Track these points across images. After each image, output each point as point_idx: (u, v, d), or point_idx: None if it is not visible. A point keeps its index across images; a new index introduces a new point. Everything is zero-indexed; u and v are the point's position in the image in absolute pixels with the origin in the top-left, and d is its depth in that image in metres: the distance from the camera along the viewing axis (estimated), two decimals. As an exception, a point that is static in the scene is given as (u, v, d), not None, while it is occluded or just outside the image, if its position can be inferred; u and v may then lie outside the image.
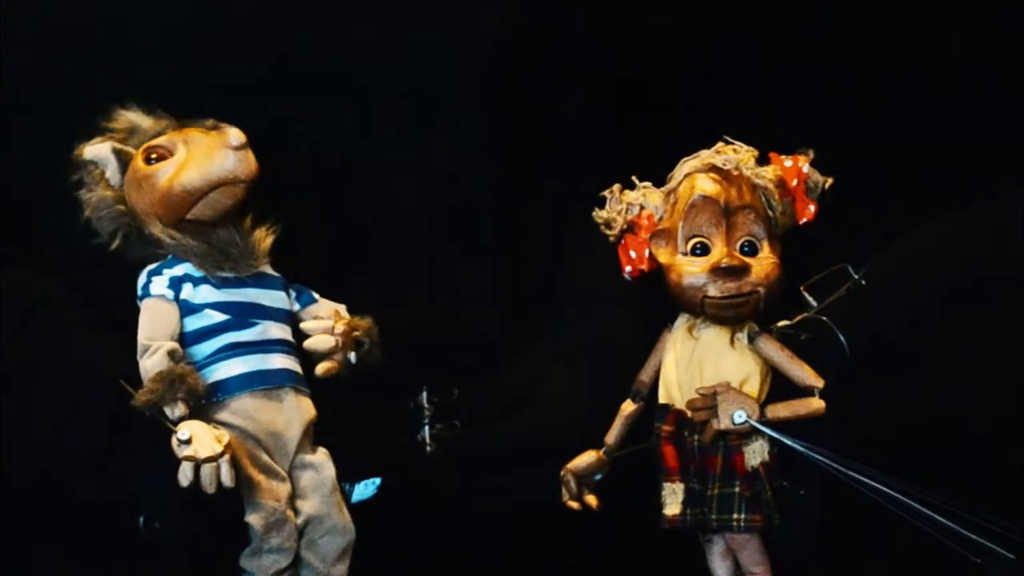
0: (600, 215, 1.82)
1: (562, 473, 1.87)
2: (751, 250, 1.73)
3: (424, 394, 1.91)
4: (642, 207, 1.80)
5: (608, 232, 1.82)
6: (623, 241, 1.81)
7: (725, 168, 1.75)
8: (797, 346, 1.73)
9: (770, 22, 2.22)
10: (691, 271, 1.73)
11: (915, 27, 2.19)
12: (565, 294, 2.19)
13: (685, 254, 1.75)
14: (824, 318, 1.73)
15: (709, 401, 1.70)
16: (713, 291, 1.71)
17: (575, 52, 2.21)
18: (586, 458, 1.87)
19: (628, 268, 1.82)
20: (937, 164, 2.12)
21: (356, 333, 1.77)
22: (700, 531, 1.78)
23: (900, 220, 2.09)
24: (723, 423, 1.69)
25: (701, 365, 1.76)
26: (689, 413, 1.74)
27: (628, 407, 1.87)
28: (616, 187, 1.81)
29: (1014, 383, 1.91)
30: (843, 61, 2.21)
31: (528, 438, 2.09)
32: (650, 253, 1.78)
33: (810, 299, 1.75)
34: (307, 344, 1.73)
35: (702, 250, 1.73)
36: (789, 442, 1.67)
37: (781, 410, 1.70)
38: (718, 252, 1.72)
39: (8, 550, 1.78)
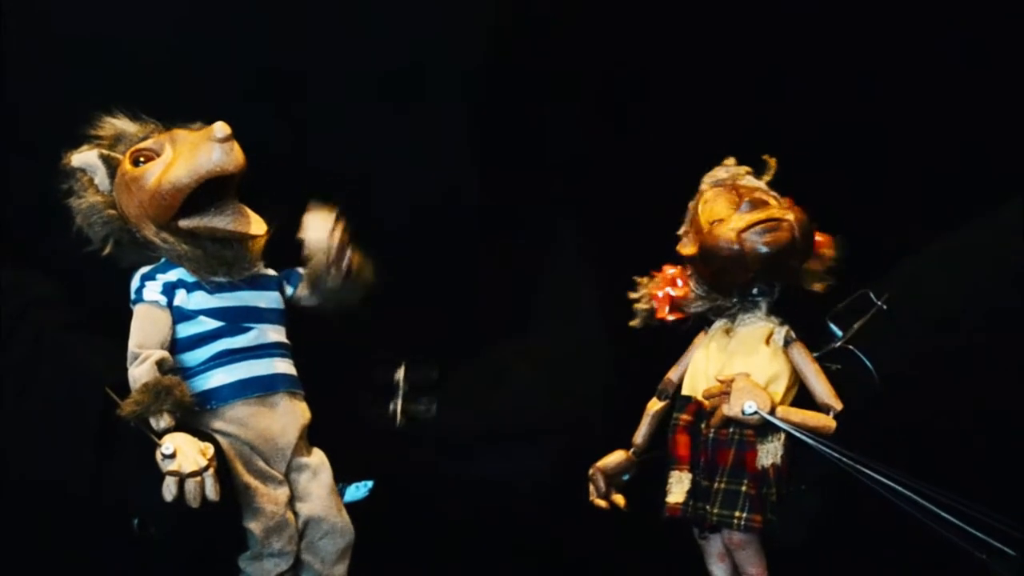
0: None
1: (591, 472, 1.88)
2: None
3: (401, 369, 1.88)
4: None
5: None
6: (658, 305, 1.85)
7: (727, 176, 1.82)
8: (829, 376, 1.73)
9: (765, 29, 2.14)
10: (720, 227, 1.73)
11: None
12: (543, 295, 2.18)
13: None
14: (852, 347, 1.73)
15: (725, 388, 1.70)
16: (744, 223, 1.70)
17: (565, 57, 2.17)
18: (615, 457, 1.88)
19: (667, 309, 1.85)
20: (944, 176, 2.04)
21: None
22: (697, 527, 1.76)
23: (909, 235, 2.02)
24: (733, 410, 1.68)
25: (732, 359, 1.75)
26: (706, 402, 1.74)
27: (654, 405, 1.87)
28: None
29: (1016, 382, 1.85)
30: (846, 69, 2.12)
31: (494, 422, 2.11)
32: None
33: (836, 329, 1.75)
34: (305, 236, 1.70)
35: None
36: (800, 435, 1.65)
37: (793, 414, 1.68)
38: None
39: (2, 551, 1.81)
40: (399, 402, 1.85)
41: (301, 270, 1.78)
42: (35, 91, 1.94)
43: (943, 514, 1.54)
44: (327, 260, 1.70)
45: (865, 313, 1.74)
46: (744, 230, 1.69)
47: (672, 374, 1.85)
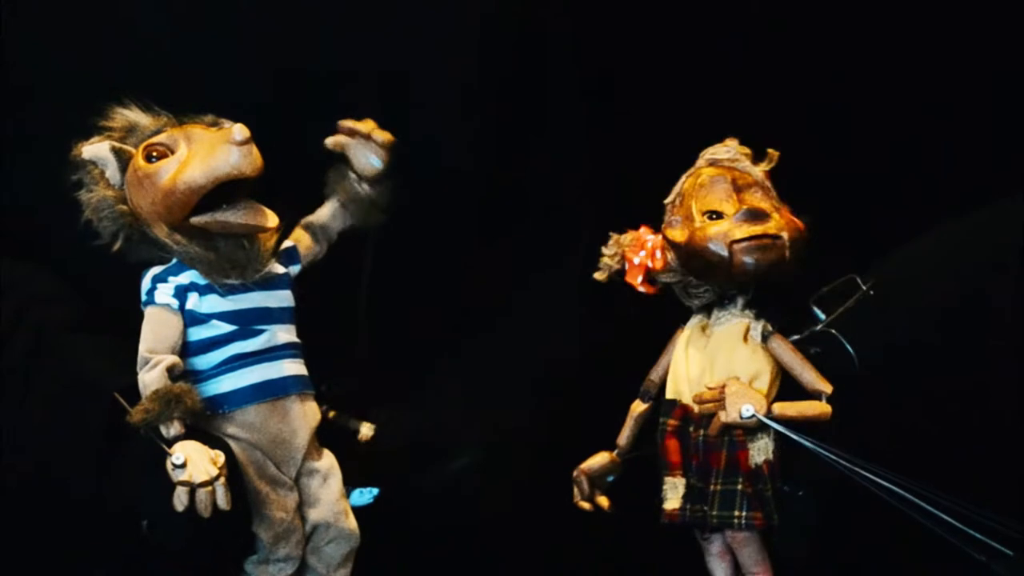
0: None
1: (575, 474, 1.88)
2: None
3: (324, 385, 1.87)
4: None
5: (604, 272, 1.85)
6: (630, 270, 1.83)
7: (726, 156, 1.78)
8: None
9: (764, 19, 2.14)
10: (714, 227, 1.72)
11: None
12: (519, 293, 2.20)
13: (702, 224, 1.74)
14: (833, 331, 1.72)
15: (718, 394, 1.70)
16: (739, 234, 1.69)
17: (563, 47, 2.16)
18: (599, 459, 1.88)
19: (640, 279, 1.82)
20: (938, 168, 2.05)
21: None
22: (698, 529, 1.77)
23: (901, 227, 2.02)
24: (731, 416, 1.68)
25: (713, 360, 1.76)
26: (696, 408, 1.74)
27: (638, 407, 1.87)
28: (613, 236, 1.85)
29: (1016, 381, 1.86)
30: (838, 61, 2.12)
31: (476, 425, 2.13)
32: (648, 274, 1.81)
33: (819, 312, 1.74)
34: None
35: (717, 217, 1.73)
36: (796, 437, 1.66)
37: (789, 409, 1.69)
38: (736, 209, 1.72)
39: (5, 553, 1.80)
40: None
41: (290, 242, 1.76)
42: (38, 83, 1.90)
43: (941, 515, 1.54)
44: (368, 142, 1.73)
45: (850, 298, 1.73)
46: (738, 241, 1.69)
47: (653, 374, 1.85)
